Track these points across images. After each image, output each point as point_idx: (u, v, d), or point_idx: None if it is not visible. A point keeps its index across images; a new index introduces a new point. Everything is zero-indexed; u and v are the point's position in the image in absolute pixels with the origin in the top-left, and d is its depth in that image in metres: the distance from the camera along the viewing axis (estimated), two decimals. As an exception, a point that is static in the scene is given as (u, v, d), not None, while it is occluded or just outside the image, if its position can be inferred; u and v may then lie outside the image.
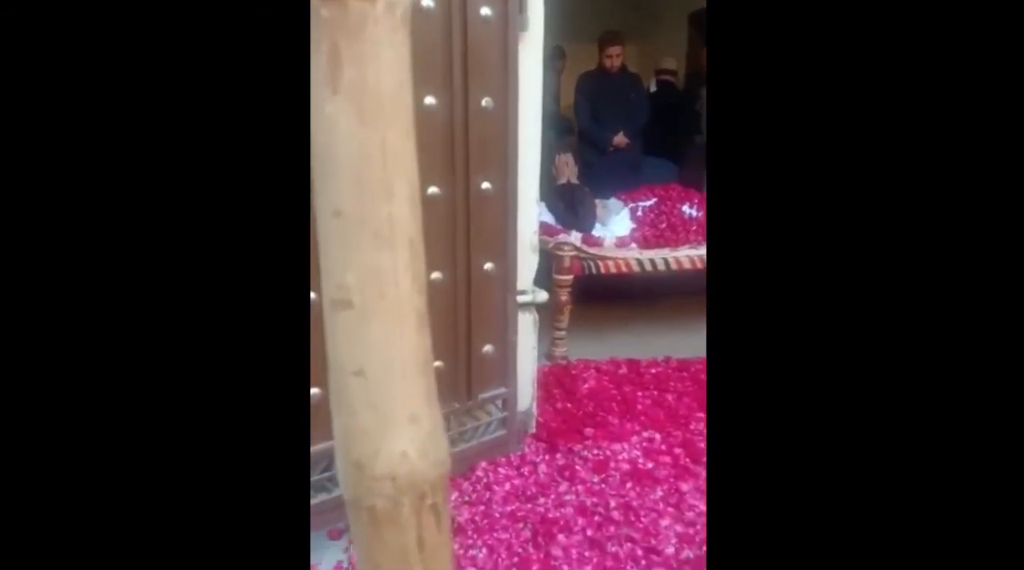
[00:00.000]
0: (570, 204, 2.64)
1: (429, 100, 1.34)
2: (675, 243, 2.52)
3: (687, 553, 1.29)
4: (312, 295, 0.69)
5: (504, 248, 1.55)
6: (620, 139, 3.27)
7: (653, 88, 3.76)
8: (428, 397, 0.51)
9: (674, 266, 2.47)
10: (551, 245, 2.31)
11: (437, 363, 1.47)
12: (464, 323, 1.50)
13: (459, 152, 1.41)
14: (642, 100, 3.38)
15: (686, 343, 2.49)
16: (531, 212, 1.66)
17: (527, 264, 1.68)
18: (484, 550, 1.27)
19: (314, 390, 1.10)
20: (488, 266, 1.52)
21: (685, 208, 2.74)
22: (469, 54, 1.37)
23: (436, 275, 1.42)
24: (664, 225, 2.64)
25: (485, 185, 1.48)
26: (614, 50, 3.22)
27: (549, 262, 2.29)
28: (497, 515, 1.39)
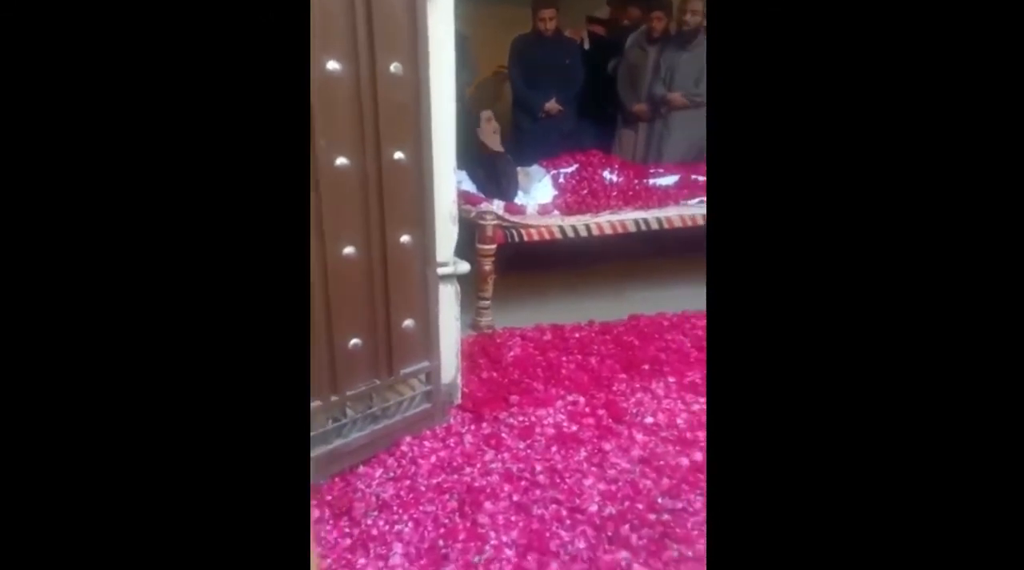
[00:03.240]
0: (492, 172, 2.61)
1: (332, 65, 1.26)
2: (596, 209, 2.55)
3: (609, 510, 1.34)
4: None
5: (421, 219, 1.51)
6: (552, 106, 3.24)
7: (586, 44, 3.70)
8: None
9: (596, 232, 2.51)
10: (473, 214, 2.29)
11: (355, 340, 1.43)
12: (382, 298, 1.47)
13: (368, 120, 1.35)
14: (577, 66, 3.34)
15: (609, 306, 2.55)
16: (449, 181, 1.62)
17: (446, 235, 1.65)
18: (410, 524, 1.27)
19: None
20: (405, 238, 1.48)
21: (606, 174, 2.77)
22: (374, 17, 1.30)
23: (349, 250, 1.37)
24: (585, 191, 2.66)
25: (398, 155, 1.43)
26: (548, 12, 3.15)
27: (471, 231, 2.26)
28: (423, 488, 1.39)
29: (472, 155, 2.69)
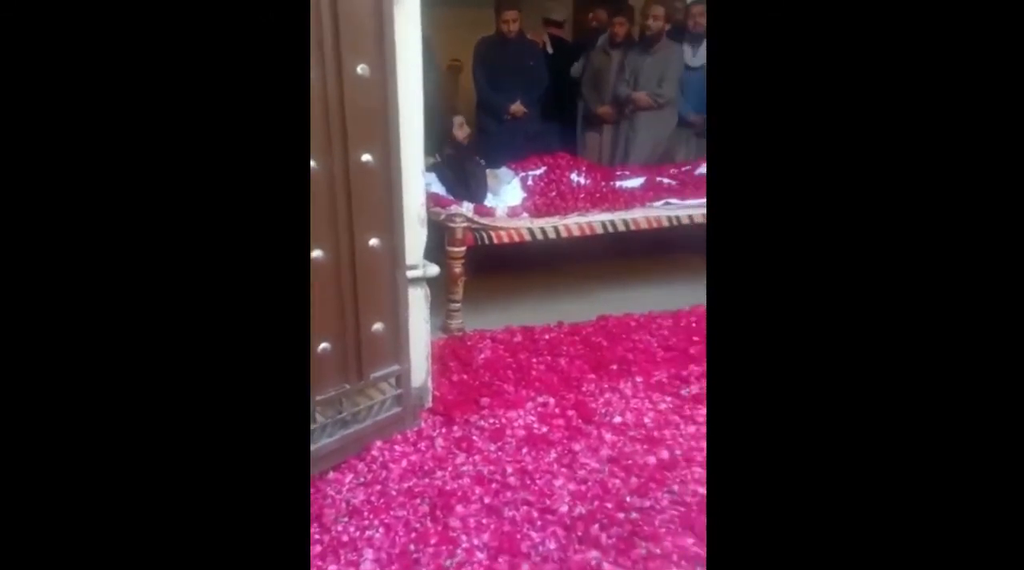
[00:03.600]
0: (461, 174, 2.61)
1: (298, 67, 1.25)
2: (564, 211, 2.57)
3: (579, 509, 1.36)
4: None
5: (390, 222, 1.51)
6: (517, 108, 3.25)
7: (550, 48, 3.71)
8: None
9: (564, 233, 2.53)
10: (443, 217, 2.28)
11: (324, 344, 1.42)
12: (351, 301, 1.45)
13: (335, 123, 1.34)
14: (541, 67, 3.36)
15: (578, 308, 2.58)
16: (417, 184, 1.62)
17: (416, 238, 1.64)
18: (381, 529, 1.27)
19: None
20: (374, 242, 1.48)
21: (573, 176, 2.80)
22: (340, 19, 1.29)
23: (317, 253, 1.35)
24: (554, 193, 2.68)
25: (366, 157, 1.42)
26: (511, 15, 3.16)
27: (441, 234, 2.26)
28: (394, 493, 1.38)
29: (441, 157, 2.69)
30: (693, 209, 2.72)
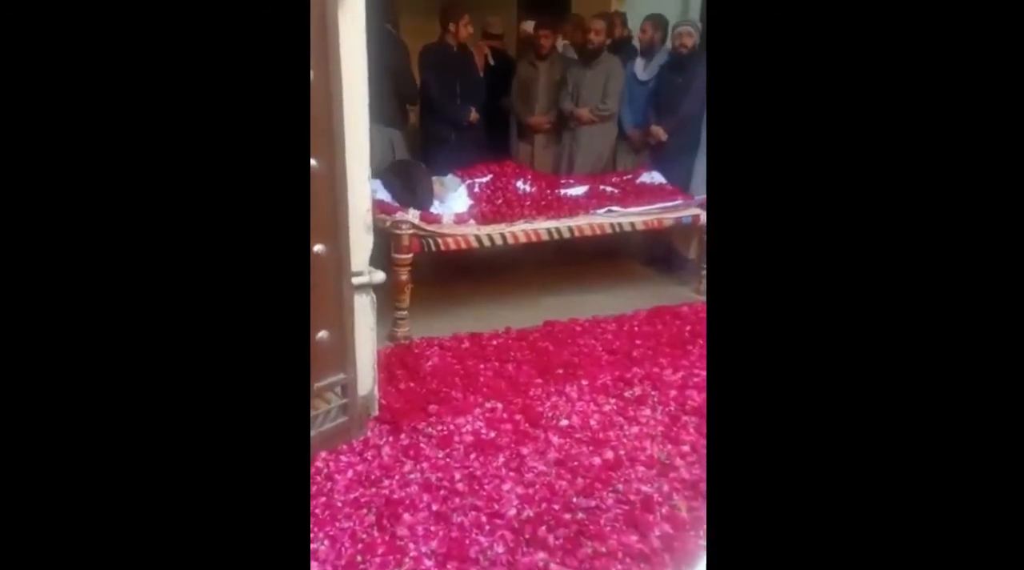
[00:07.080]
0: (407, 181, 2.60)
1: (238, 71, 1.23)
2: (511, 218, 2.60)
3: (527, 512, 1.38)
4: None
5: (335, 228, 1.49)
6: (474, 116, 3.27)
7: (491, 60, 3.72)
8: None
9: (511, 240, 2.55)
10: (388, 223, 2.27)
11: (266, 354, 1.39)
12: (294, 310, 1.43)
13: (278, 128, 1.32)
14: (481, 79, 3.39)
15: (525, 314, 2.61)
16: (363, 190, 1.61)
17: (361, 244, 1.63)
18: (326, 542, 1.24)
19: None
20: (318, 248, 1.45)
21: (519, 184, 2.84)
22: (282, 22, 1.27)
23: (259, 261, 1.32)
24: (500, 201, 2.70)
25: (311, 163, 1.40)
26: (460, 23, 3.18)
27: (387, 241, 2.24)
28: (339, 504, 1.36)
29: (387, 164, 2.67)
30: (635, 216, 2.80)
